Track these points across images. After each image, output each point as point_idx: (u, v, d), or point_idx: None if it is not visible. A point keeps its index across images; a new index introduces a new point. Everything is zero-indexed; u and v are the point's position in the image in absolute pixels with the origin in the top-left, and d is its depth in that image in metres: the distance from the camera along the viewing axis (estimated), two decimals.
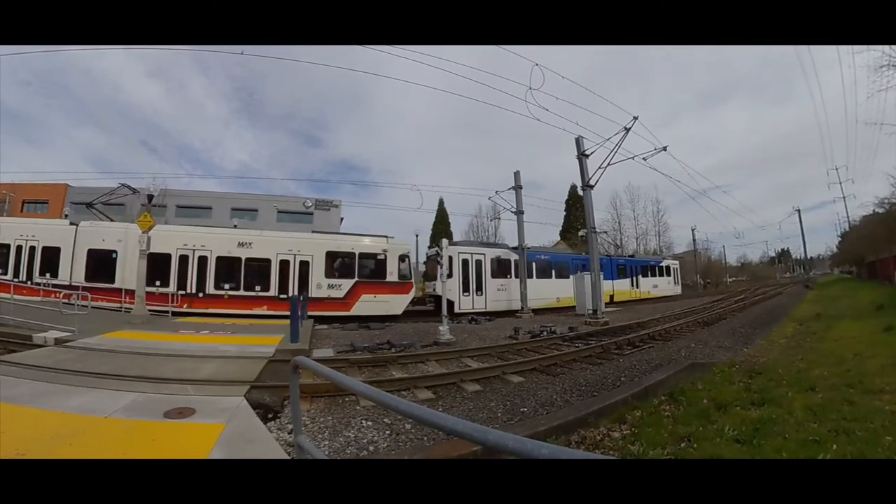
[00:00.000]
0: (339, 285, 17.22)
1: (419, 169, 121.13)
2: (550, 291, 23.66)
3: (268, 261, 16.57)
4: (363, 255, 17.87)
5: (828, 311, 16.59)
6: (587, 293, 18.25)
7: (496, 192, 24.13)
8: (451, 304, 19.33)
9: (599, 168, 17.30)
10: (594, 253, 17.64)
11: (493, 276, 21.17)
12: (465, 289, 19.90)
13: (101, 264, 15.40)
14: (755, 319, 15.76)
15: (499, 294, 21.21)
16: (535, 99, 15.16)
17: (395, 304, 17.96)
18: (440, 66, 17.57)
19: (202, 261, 15.98)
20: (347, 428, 5.02)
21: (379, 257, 18.04)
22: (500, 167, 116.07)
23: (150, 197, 14.46)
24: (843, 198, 41.42)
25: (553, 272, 24.28)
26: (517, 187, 22.52)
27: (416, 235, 37.51)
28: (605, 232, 29.80)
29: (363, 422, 5.19)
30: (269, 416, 5.21)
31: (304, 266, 16.92)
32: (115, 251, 15.52)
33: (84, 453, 3.30)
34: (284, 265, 16.73)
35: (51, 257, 15.32)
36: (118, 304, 14.55)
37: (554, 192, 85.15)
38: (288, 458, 3.54)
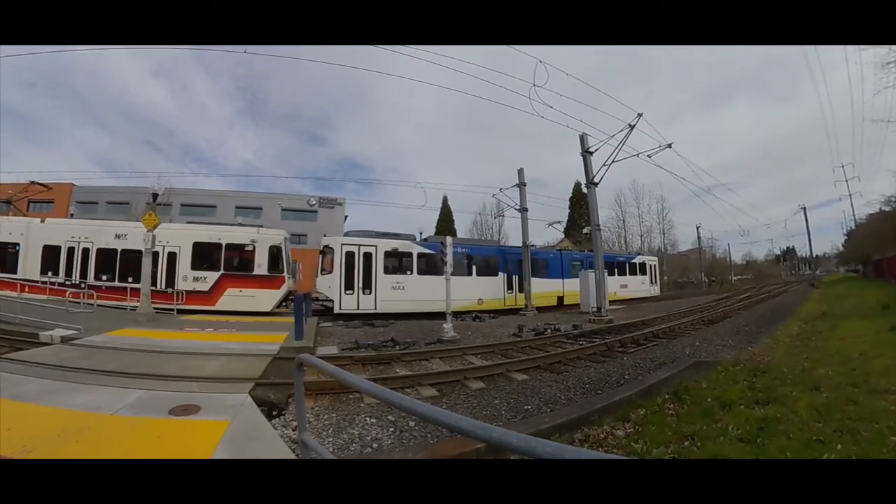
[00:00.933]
0: (205, 278, 16.54)
1: (423, 167, 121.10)
2: (469, 291, 19.99)
3: (139, 252, 16.31)
4: (230, 247, 16.98)
5: (833, 309, 16.48)
6: (591, 291, 18.23)
7: (500, 189, 23.96)
8: (328, 302, 17.76)
9: (604, 165, 17.29)
10: (598, 251, 17.61)
11: (388, 271, 18.44)
12: (349, 286, 17.39)
13: (6, 257, 16.23)
14: (760, 318, 15.68)
15: (394, 293, 18.29)
16: (539, 96, 15.16)
17: (263, 300, 16.81)
18: (445, 63, 17.42)
19: (85, 252, 16.44)
20: (351, 425, 5.04)
21: (247, 248, 17.05)
22: (504, 165, 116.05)
23: (155, 196, 14.68)
24: (850, 196, 41.22)
25: (474, 269, 20.80)
26: (521, 184, 22.47)
27: (420, 233, 37.51)
28: (559, 221, 25.32)
29: (367, 419, 5.21)
30: (274, 413, 5.23)
31: (173, 257, 16.60)
32: (17, 244, 16.22)
33: (90, 450, 3.33)
34: (154, 256, 16.39)
35: None
36: (16, 293, 14.84)
37: (557, 190, 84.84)
38: (292, 454, 3.56)
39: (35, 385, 5.03)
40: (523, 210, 22.41)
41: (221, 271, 16.73)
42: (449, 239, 14.01)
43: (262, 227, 18.38)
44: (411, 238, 19.86)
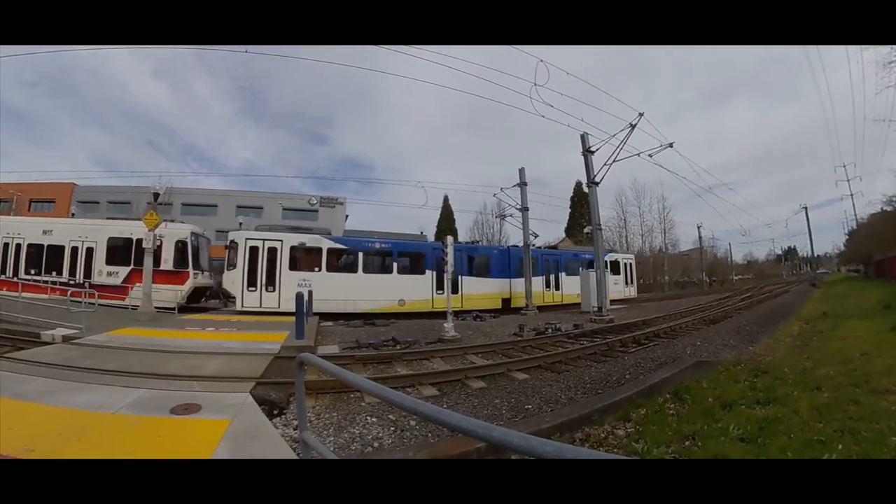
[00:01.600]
0: (117, 272, 16.94)
1: (424, 166, 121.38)
2: (388, 291, 18.48)
3: (62, 247, 17.23)
4: (141, 241, 16.40)
5: (834, 309, 16.46)
6: (592, 290, 18.19)
7: (501, 188, 23.90)
8: (232, 299, 17.08)
9: (605, 165, 17.27)
10: (599, 250, 17.57)
11: (294, 268, 17.20)
12: (252, 283, 16.45)
13: None
14: (761, 318, 15.67)
15: (301, 291, 17.22)
16: (540, 95, 15.15)
17: (166, 295, 16.38)
18: (446, 63, 17.30)
19: (18, 247, 17.21)
20: (352, 424, 5.04)
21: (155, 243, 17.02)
22: (505, 165, 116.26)
23: (156, 195, 14.66)
24: (851, 195, 41.16)
25: (395, 266, 18.97)
26: (522, 184, 22.46)
27: (421, 232, 37.55)
28: (510, 211, 23.64)
29: (368, 418, 5.21)
30: (275, 412, 5.23)
31: (90, 252, 17.10)
32: None
33: (91, 449, 3.33)
34: (75, 251, 17.19)
35: None
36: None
37: (558, 190, 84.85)
38: (293, 453, 3.57)
39: (36, 384, 5.03)
40: (524, 209, 22.40)
41: (132, 266, 16.86)
42: (450, 238, 13.92)
43: (171, 221, 18.41)
44: (324, 232, 18.91)
